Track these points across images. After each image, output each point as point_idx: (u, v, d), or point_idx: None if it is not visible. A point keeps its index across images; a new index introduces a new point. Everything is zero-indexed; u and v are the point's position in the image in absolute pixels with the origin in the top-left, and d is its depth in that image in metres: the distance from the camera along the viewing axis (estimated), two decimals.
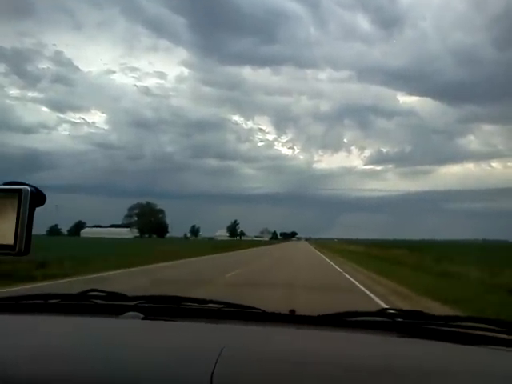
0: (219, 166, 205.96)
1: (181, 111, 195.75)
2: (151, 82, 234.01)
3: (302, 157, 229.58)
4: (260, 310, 1.46)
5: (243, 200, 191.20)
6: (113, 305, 1.51)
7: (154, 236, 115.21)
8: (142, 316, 1.36)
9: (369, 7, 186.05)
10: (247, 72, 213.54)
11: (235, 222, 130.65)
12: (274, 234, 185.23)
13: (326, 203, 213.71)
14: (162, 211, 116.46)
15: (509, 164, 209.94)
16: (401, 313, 1.51)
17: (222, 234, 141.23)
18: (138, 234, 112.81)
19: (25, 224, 0.86)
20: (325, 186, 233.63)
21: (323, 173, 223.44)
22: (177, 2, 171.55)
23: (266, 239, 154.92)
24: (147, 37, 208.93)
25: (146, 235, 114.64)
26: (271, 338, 1.24)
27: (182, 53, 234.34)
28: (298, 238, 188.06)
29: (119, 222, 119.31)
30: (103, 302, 1.53)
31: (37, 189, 0.89)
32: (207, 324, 1.35)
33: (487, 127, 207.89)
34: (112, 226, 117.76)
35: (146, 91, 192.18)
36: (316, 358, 1.07)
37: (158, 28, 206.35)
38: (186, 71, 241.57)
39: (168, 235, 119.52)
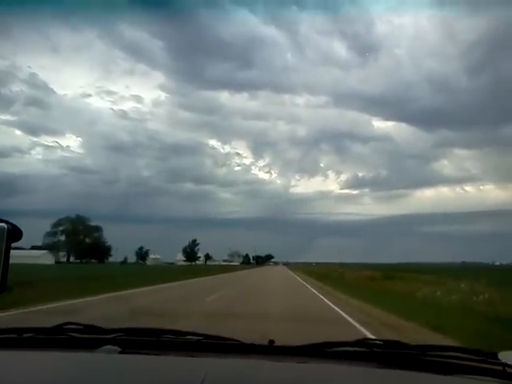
0: (195, 190, 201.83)
1: (157, 135, 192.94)
2: (128, 106, 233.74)
3: (279, 181, 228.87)
4: (239, 341, 1.48)
5: (218, 224, 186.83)
6: (89, 338, 1.50)
7: (94, 261, 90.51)
8: (119, 350, 1.36)
9: (345, 34, 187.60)
10: (225, 97, 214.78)
11: (194, 241, 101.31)
12: (246, 257, 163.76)
13: (303, 227, 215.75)
14: (98, 229, 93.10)
15: (481, 188, 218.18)
16: (379, 342, 1.51)
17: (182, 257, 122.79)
18: (63, 259, 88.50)
19: (1, 262, 0.87)
20: (302, 211, 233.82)
21: (300, 197, 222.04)
22: (155, 27, 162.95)
23: (236, 263, 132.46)
24: (124, 60, 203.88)
25: (78, 260, 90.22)
26: (251, 370, 1.26)
27: (160, 77, 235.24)
28: (276, 263, 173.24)
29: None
30: (79, 336, 1.51)
31: (13, 225, 0.90)
32: (186, 357, 1.37)
33: (460, 152, 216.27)
34: (33, 247, 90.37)
35: (123, 115, 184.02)
36: None
37: (135, 52, 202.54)
38: (163, 95, 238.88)
39: (116, 259, 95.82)
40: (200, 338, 1.51)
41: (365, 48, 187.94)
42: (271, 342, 1.52)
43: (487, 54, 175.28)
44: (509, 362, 1.24)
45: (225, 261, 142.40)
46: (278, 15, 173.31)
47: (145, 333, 1.55)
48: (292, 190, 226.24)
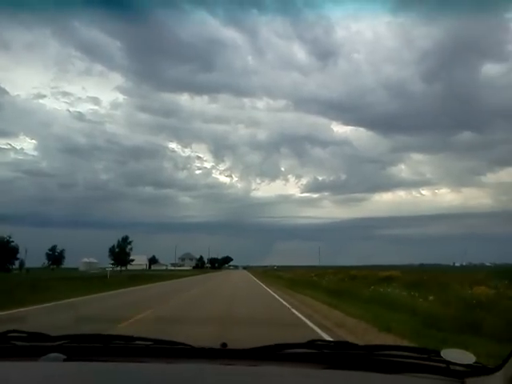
0: (155, 194, 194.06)
1: (116, 138, 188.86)
2: (85, 108, 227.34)
3: (239, 185, 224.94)
4: (189, 345, 1.48)
5: (178, 229, 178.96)
6: (34, 346, 1.47)
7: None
8: (64, 357, 1.34)
9: (305, 38, 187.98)
10: (184, 99, 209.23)
11: (125, 239, 71.41)
12: (200, 260, 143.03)
13: (264, 231, 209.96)
14: None
15: (436, 191, 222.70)
16: (329, 344, 1.55)
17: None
18: None
19: None
20: (263, 214, 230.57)
21: (261, 201, 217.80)
22: (112, 26, 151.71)
23: (187, 268, 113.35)
24: (81, 60, 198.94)
25: None
26: (200, 375, 1.26)
27: (117, 78, 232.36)
28: (235, 266, 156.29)
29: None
30: (24, 344, 1.48)
31: None
32: (134, 363, 1.35)
33: (416, 157, 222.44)
34: None
35: (80, 117, 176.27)
36: None
37: (92, 52, 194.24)
38: (121, 97, 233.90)
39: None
40: (149, 343, 1.50)
41: (324, 53, 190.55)
42: (224, 345, 1.53)
43: (441, 62, 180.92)
44: (451, 360, 1.29)
45: (174, 265, 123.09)
46: (238, 18, 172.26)
47: (92, 339, 1.52)
48: (253, 193, 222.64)
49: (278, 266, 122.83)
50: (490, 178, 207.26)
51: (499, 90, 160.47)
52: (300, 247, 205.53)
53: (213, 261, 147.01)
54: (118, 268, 69.76)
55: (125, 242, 71.01)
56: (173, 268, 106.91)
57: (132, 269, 74.93)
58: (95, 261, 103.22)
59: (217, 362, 1.38)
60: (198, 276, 51.87)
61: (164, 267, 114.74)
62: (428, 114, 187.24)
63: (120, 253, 69.80)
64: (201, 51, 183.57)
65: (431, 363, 1.34)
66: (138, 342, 1.51)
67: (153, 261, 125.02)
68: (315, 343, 1.51)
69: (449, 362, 1.29)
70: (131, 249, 71.67)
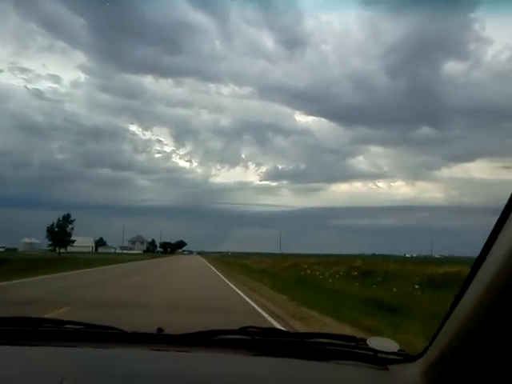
0: (113, 176, 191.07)
1: (75, 118, 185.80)
2: (44, 85, 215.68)
3: (199, 170, 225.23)
4: (121, 330, 1.45)
5: (134, 212, 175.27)
6: None
7: None
8: None
9: (274, 26, 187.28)
10: (148, 81, 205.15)
11: (66, 218, 62.44)
12: (152, 244, 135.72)
13: (221, 217, 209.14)
14: None
15: (392, 184, 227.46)
16: (260, 330, 1.54)
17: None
18: None
19: None
20: (221, 200, 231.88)
21: (220, 187, 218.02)
22: (78, 3, 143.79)
23: (138, 251, 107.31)
24: (42, 36, 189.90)
25: None
26: (130, 360, 1.25)
27: (80, 56, 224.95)
28: (190, 251, 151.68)
29: None
30: None
31: None
32: (64, 348, 1.32)
33: (375, 149, 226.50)
34: None
35: (38, 94, 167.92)
36: (172, 379, 1.14)
37: (54, 28, 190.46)
38: (82, 76, 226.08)
39: None
40: (80, 327, 1.47)
41: (292, 42, 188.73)
42: (159, 330, 1.51)
43: (406, 57, 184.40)
44: (376, 348, 1.34)
45: (123, 248, 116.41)
46: (208, 1, 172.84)
47: (20, 322, 1.48)
48: (212, 179, 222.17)
49: (232, 252, 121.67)
50: (444, 172, 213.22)
51: (459, 88, 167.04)
52: (256, 234, 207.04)
53: (165, 245, 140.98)
54: (57, 249, 62.84)
55: (66, 220, 62.36)
56: (121, 251, 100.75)
57: (74, 251, 68.33)
58: (37, 241, 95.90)
59: (149, 348, 1.38)
60: (143, 261, 46.66)
61: (112, 250, 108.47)
62: (390, 107, 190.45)
63: (59, 232, 61.67)
64: (168, 33, 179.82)
65: (359, 351, 1.39)
66: (68, 326, 1.47)
67: (100, 243, 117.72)
68: (247, 330, 1.52)
69: (375, 350, 1.34)
70: (72, 228, 63.20)
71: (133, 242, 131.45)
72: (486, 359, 0.94)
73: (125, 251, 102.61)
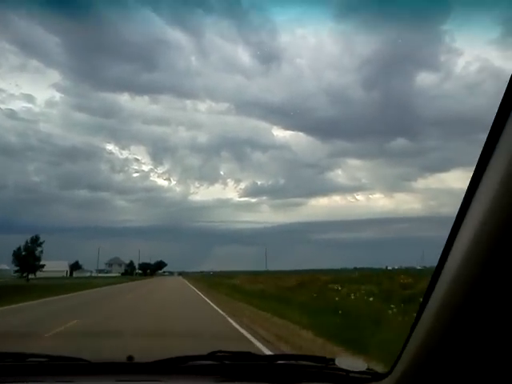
0: (90, 197, 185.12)
1: (50, 138, 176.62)
2: (17, 105, 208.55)
3: (178, 188, 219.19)
4: (87, 361, 1.41)
5: (113, 234, 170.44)
6: None
7: None
8: None
9: (249, 41, 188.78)
10: (124, 99, 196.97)
11: (35, 240, 58.13)
12: (130, 265, 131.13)
13: (201, 236, 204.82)
14: None
15: (370, 196, 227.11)
16: (230, 355, 1.52)
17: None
18: None
19: None
20: (201, 219, 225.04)
21: (199, 205, 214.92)
22: (51, 21, 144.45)
23: (115, 274, 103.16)
24: (15, 55, 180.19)
25: None
26: None
27: (55, 75, 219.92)
28: (171, 272, 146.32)
29: None
30: None
31: None
32: (26, 383, 1.28)
33: (353, 162, 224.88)
34: None
35: (11, 114, 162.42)
36: None
37: (28, 47, 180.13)
38: (57, 95, 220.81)
39: None
40: (43, 359, 1.42)
41: (268, 56, 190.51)
42: (130, 358, 1.48)
43: (380, 70, 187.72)
44: (344, 367, 1.37)
45: (100, 271, 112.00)
46: (183, 17, 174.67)
47: None
48: (191, 197, 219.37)
49: (214, 272, 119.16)
50: (421, 183, 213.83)
51: (432, 100, 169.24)
52: (238, 252, 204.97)
53: (144, 266, 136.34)
54: (25, 275, 58.11)
55: (34, 243, 57.81)
56: (97, 275, 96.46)
57: (46, 276, 64.13)
58: (7, 267, 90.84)
59: (116, 378, 1.35)
60: (114, 286, 42.31)
61: (88, 274, 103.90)
62: (366, 120, 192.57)
63: (27, 257, 57.06)
64: (144, 50, 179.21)
65: (329, 371, 1.41)
66: (30, 360, 1.43)
67: (75, 267, 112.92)
68: (216, 354, 1.50)
69: (347, 370, 1.37)
70: (41, 251, 58.49)
71: (110, 264, 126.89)
72: (450, 372, 0.97)
73: (101, 274, 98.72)
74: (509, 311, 0.83)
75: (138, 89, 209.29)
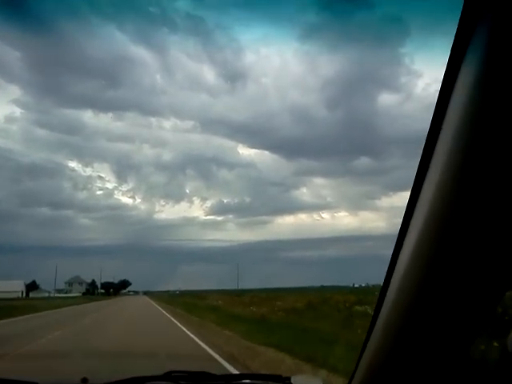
0: (52, 215, 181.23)
1: (10, 154, 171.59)
2: None
3: (143, 207, 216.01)
4: (32, 382, 1.39)
5: (74, 252, 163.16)
6: None
7: None
8: None
9: (215, 60, 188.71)
10: (88, 116, 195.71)
11: None
12: (92, 285, 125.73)
13: (167, 254, 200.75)
14: None
15: (336, 215, 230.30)
16: (186, 375, 1.51)
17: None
18: None
19: None
20: (166, 237, 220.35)
21: (165, 223, 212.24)
22: (12, 36, 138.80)
23: (76, 294, 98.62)
24: None
25: None
26: None
27: (15, 91, 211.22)
28: (136, 292, 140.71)
29: None
30: None
31: None
32: None
33: (318, 180, 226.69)
34: None
35: None
36: None
37: None
38: (18, 111, 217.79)
39: None
40: None
41: (233, 75, 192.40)
42: (84, 380, 1.46)
43: (343, 90, 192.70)
44: None
45: (60, 291, 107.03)
46: (148, 35, 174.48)
47: None
48: (156, 215, 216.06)
49: (180, 291, 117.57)
50: (385, 201, 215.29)
51: (394, 120, 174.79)
52: (205, 270, 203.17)
53: (107, 285, 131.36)
54: None
55: None
56: (55, 295, 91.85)
57: None
58: None
59: None
60: (71, 308, 38.69)
61: (46, 294, 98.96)
62: (330, 139, 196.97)
63: None
64: (108, 67, 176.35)
65: None
66: None
67: (32, 287, 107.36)
68: (172, 375, 1.49)
69: None
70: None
71: (70, 283, 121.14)
72: None
73: (60, 295, 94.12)
74: (447, 324, 0.89)
75: (102, 106, 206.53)
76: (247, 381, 1.49)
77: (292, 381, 1.40)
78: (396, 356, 0.98)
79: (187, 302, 37.40)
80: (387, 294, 0.97)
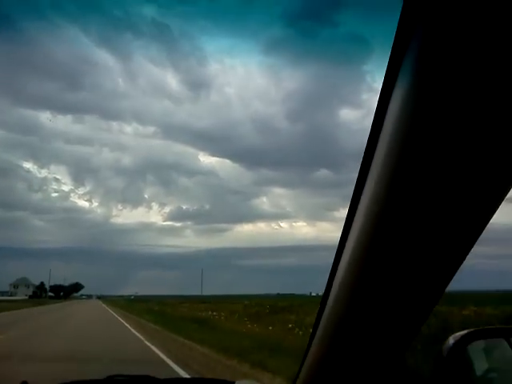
0: (3, 216, 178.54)
1: None
2: None
3: (99, 210, 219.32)
4: None
5: (26, 254, 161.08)
6: None
7: None
8: None
9: (179, 67, 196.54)
10: (46, 117, 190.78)
11: None
12: (41, 287, 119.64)
13: (123, 259, 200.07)
14: None
15: (294, 224, 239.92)
16: (128, 379, 1.49)
17: None
18: None
19: None
20: (122, 242, 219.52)
21: (121, 227, 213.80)
22: None
23: (21, 297, 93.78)
24: None
25: None
26: None
27: None
28: (89, 296, 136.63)
29: None
30: None
31: None
32: None
33: (278, 190, 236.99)
34: None
35: None
36: None
37: None
38: None
39: None
40: None
41: (197, 83, 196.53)
42: (24, 383, 1.45)
43: (304, 103, 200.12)
44: None
45: (3, 293, 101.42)
46: (112, 39, 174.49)
47: None
48: (113, 219, 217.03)
49: (135, 296, 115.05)
50: (343, 213, 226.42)
51: (353, 134, 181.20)
52: (160, 276, 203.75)
53: (57, 288, 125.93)
54: None
55: None
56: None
57: None
58: None
59: None
60: (13, 312, 34.13)
61: None
62: (290, 150, 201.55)
63: None
64: (69, 69, 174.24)
65: None
66: None
67: None
68: (115, 378, 1.46)
69: None
70: None
71: (15, 285, 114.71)
72: None
73: (3, 297, 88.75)
74: (380, 330, 0.91)
75: (61, 107, 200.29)
76: None
77: None
78: (333, 363, 1.01)
79: (148, 308, 37.06)
80: (327, 301, 1.00)
